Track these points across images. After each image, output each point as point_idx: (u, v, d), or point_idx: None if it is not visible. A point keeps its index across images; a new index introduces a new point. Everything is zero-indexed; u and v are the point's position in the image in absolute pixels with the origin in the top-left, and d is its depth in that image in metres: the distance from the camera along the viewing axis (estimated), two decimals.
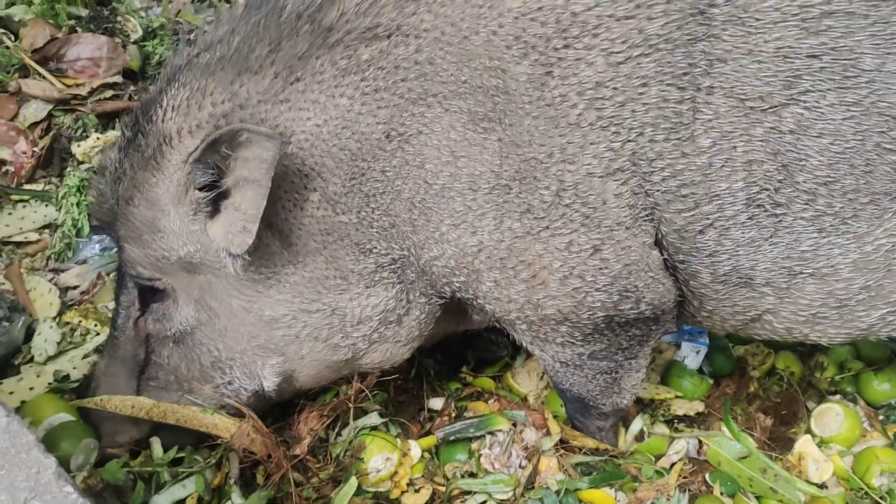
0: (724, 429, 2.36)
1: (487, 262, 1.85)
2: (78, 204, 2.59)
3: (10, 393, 2.21)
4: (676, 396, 2.45)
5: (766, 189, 1.78)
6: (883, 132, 1.73)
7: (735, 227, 1.82)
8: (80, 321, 2.45)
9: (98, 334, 2.41)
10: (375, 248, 1.90)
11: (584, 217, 1.78)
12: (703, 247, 1.85)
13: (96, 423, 2.07)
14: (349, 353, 2.02)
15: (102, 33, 3.18)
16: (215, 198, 1.79)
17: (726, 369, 2.56)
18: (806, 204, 1.79)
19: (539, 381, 2.45)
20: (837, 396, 2.53)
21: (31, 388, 2.24)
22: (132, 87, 3.07)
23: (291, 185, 1.82)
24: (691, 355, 2.55)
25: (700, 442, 2.36)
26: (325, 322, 1.95)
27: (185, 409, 2.02)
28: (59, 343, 2.37)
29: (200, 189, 1.78)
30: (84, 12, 3.29)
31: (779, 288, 1.90)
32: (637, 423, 2.35)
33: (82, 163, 2.74)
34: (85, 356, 2.36)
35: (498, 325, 2.08)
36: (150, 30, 3.35)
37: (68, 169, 2.75)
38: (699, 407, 2.43)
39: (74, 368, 2.32)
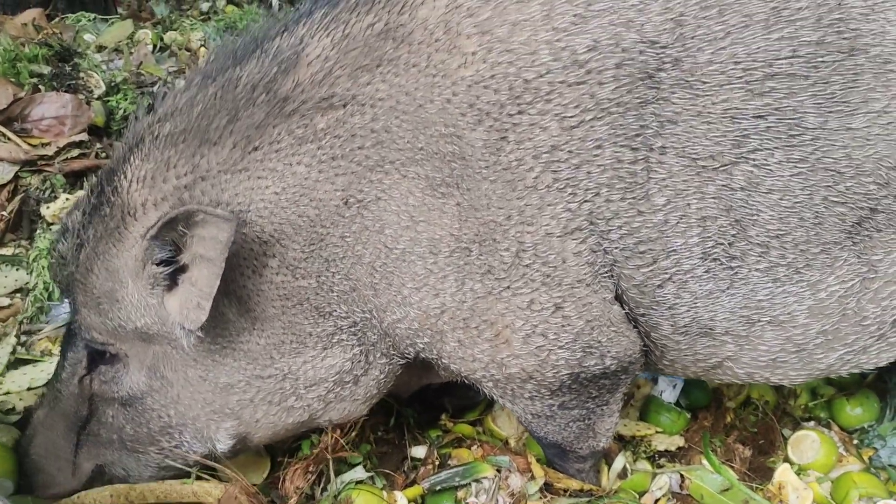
0: (705, 462, 2.39)
1: (451, 322, 1.87)
2: (49, 267, 2.56)
3: None
4: (657, 432, 2.48)
5: (721, 244, 1.83)
6: (829, 186, 1.80)
7: (693, 280, 1.86)
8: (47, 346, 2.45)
9: None
10: (335, 311, 1.92)
11: (545, 276, 1.82)
12: (663, 300, 1.90)
13: (30, 473, 2.06)
14: (305, 415, 2.03)
15: (66, 90, 3.18)
16: (174, 272, 1.79)
17: (703, 401, 2.60)
18: (760, 256, 1.85)
19: (519, 423, 2.46)
20: (811, 423, 2.57)
21: None
22: (98, 145, 3.06)
23: (251, 253, 1.84)
24: (668, 389, 2.58)
25: (682, 476, 2.38)
26: (278, 387, 1.96)
27: (162, 485, 2.03)
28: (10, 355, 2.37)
29: (159, 264, 1.78)
30: (46, 69, 3.29)
31: (738, 336, 1.95)
32: (619, 461, 2.37)
33: (52, 224, 2.72)
34: (32, 387, 2.35)
35: (466, 382, 2.09)
36: (113, 84, 3.35)
37: (38, 231, 2.72)
38: (679, 441, 2.46)
39: (21, 399, 2.30)
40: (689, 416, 2.55)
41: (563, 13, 1.75)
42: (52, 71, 3.27)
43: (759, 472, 2.41)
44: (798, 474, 2.38)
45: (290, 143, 1.81)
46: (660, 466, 2.42)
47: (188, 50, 4.00)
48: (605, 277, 1.85)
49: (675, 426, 2.51)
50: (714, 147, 1.76)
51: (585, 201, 1.78)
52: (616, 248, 1.82)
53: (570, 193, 1.77)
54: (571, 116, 1.74)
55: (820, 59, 1.74)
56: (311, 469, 2.13)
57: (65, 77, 3.26)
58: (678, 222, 1.81)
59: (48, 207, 2.77)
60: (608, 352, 1.92)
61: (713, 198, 1.79)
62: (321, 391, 1.99)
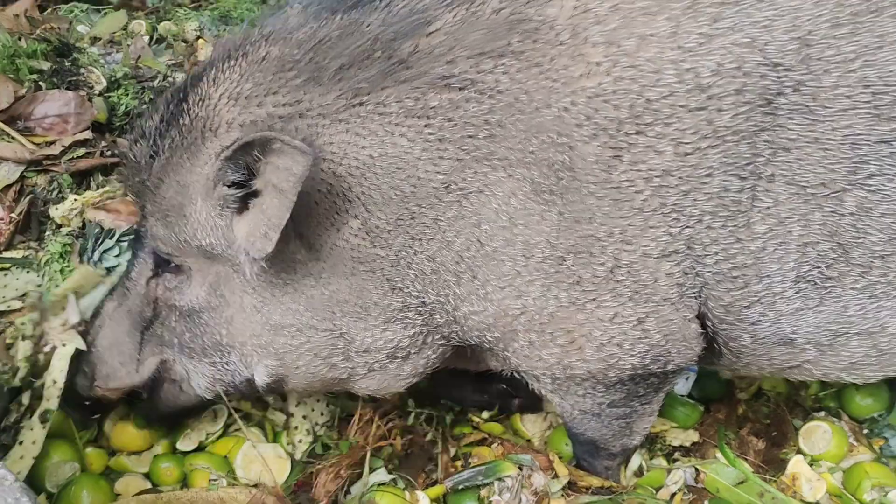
0: (719, 455, 2.43)
1: (527, 324, 1.87)
2: (61, 271, 2.55)
3: (21, 458, 2.16)
4: (672, 427, 2.51)
5: (818, 266, 1.81)
6: None
7: (781, 300, 1.86)
8: None
9: None
10: (408, 288, 1.90)
11: (634, 293, 1.82)
12: (748, 318, 1.89)
13: (93, 365, 2.11)
14: (345, 374, 2.03)
15: (67, 87, 3.12)
16: (246, 195, 1.77)
17: (716, 393, 2.62)
18: (859, 276, 1.82)
19: (543, 422, 2.50)
20: (822, 413, 2.61)
21: (33, 442, 2.18)
22: (102, 142, 3.01)
23: (332, 206, 1.81)
24: (681, 381, 2.60)
25: (697, 470, 2.42)
26: (330, 342, 1.96)
27: (188, 492, 2.06)
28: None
29: (231, 185, 1.75)
30: (46, 65, 3.23)
31: (821, 345, 1.95)
32: (636, 460, 2.40)
33: (61, 226, 2.69)
34: None
35: (517, 375, 2.10)
36: (113, 79, 3.29)
37: (47, 233, 2.69)
38: (694, 436, 2.50)
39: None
40: (702, 408, 2.57)
41: (689, 31, 1.69)
42: (52, 67, 3.21)
43: (772, 464, 2.45)
44: (810, 465, 2.42)
45: (397, 111, 1.76)
46: (675, 461, 2.45)
47: (185, 41, 3.95)
48: (691, 298, 1.85)
49: (690, 420, 2.54)
50: (827, 175, 1.72)
51: (687, 227, 1.77)
52: (709, 272, 1.82)
53: (673, 219, 1.76)
54: (688, 143, 1.70)
55: None
56: (341, 473, 2.14)
57: (65, 73, 3.19)
58: (776, 249, 1.79)
59: (56, 209, 2.72)
60: (673, 360, 1.95)
61: (819, 224, 1.76)
62: (370, 359, 1.99)
